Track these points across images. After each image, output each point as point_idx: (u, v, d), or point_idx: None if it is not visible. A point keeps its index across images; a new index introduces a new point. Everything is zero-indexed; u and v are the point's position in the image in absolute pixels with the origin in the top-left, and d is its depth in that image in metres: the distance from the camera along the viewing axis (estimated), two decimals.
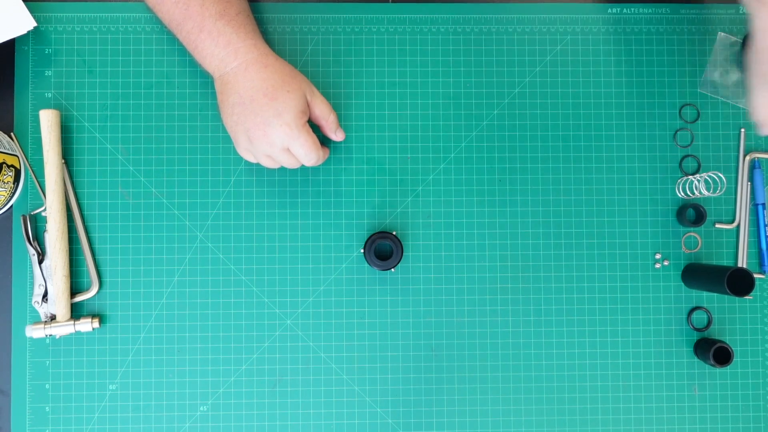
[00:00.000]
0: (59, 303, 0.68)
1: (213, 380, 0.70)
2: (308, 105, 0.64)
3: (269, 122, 0.61)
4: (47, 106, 0.70)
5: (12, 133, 0.70)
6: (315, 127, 0.68)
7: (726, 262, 0.72)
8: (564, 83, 0.73)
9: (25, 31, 0.68)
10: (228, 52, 0.62)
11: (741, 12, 0.74)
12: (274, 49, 0.71)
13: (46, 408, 0.69)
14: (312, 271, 0.71)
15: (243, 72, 0.62)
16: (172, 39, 0.71)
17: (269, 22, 0.72)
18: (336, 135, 0.68)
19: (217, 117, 0.71)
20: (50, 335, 0.67)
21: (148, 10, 0.71)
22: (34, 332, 0.67)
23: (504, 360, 0.71)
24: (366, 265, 0.71)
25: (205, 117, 0.71)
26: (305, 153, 0.63)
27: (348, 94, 0.72)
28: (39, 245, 0.69)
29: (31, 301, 0.69)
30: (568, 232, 0.72)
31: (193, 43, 0.63)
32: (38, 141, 0.69)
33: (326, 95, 0.71)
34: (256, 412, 0.69)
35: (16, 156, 0.68)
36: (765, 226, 0.72)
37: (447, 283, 0.71)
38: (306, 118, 0.63)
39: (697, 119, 0.73)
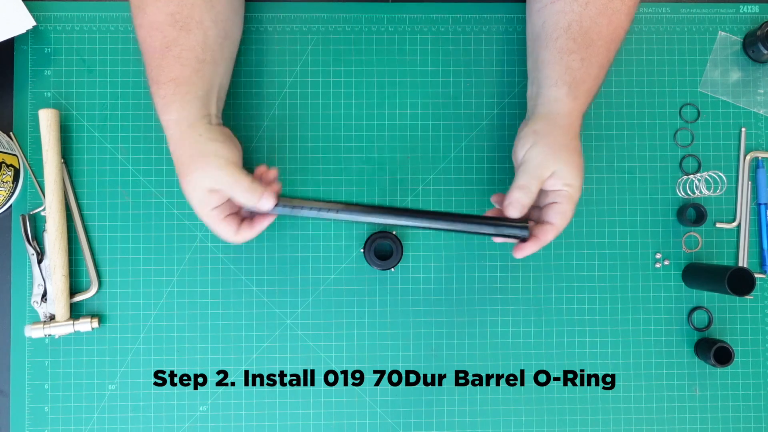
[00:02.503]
0: (58, 303, 0.67)
1: (212, 380, 0.69)
2: (218, 190, 0.58)
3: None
4: (46, 106, 0.70)
5: (11, 133, 0.70)
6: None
7: (726, 261, 0.72)
8: None
9: (24, 31, 0.68)
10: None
11: (741, 11, 0.74)
12: (273, 49, 0.72)
13: (45, 408, 0.68)
14: (312, 270, 0.70)
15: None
16: None
17: (269, 22, 0.72)
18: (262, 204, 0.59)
19: None
20: (49, 335, 0.67)
21: None
22: (33, 332, 0.67)
23: (504, 360, 0.71)
24: (366, 265, 0.71)
25: None
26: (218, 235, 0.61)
27: (348, 94, 0.72)
28: (38, 245, 0.69)
29: (30, 301, 0.69)
30: (568, 232, 0.72)
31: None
32: (37, 140, 0.69)
33: (326, 95, 0.71)
34: (256, 412, 0.69)
35: (15, 155, 0.68)
36: (767, 225, 0.72)
37: (447, 283, 0.71)
38: (212, 203, 0.59)
39: (697, 119, 0.73)
